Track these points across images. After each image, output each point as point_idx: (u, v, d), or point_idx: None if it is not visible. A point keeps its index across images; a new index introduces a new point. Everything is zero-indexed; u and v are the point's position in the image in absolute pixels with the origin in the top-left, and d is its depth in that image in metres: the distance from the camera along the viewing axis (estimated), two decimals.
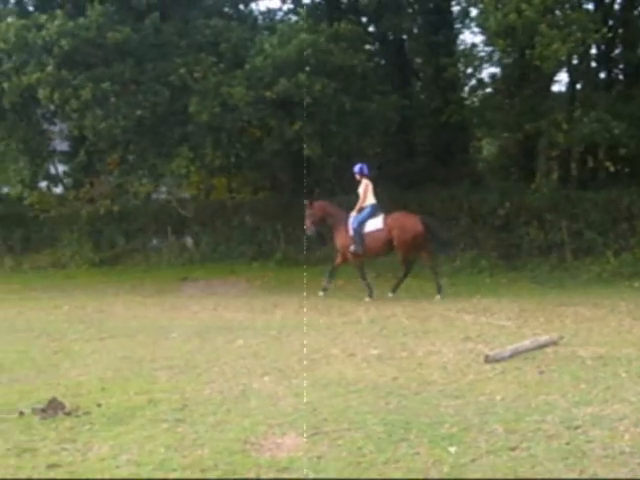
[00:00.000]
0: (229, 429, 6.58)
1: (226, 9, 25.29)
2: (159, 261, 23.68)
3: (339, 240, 16.68)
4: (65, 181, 26.20)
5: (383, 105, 21.59)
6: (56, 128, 25.43)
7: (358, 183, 16.45)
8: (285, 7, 26.08)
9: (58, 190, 26.20)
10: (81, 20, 20.53)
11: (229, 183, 27.28)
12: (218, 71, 20.83)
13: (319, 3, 25.30)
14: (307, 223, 16.96)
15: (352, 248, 16.22)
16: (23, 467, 5.71)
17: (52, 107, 23.01)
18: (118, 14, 21.30)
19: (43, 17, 20.84)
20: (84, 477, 5.52)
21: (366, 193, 16.25)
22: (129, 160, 23.45)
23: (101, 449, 6.10)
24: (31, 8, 25.00)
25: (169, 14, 22.69)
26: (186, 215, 24.07)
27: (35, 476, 5.53)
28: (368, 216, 16.24)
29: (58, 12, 20.74)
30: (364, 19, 25.75)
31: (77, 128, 21.71)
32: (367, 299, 15.94)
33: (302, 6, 24.10)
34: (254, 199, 25.62)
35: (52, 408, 7.10)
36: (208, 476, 5.51)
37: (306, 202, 17.00)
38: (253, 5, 35.40)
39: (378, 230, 16.10)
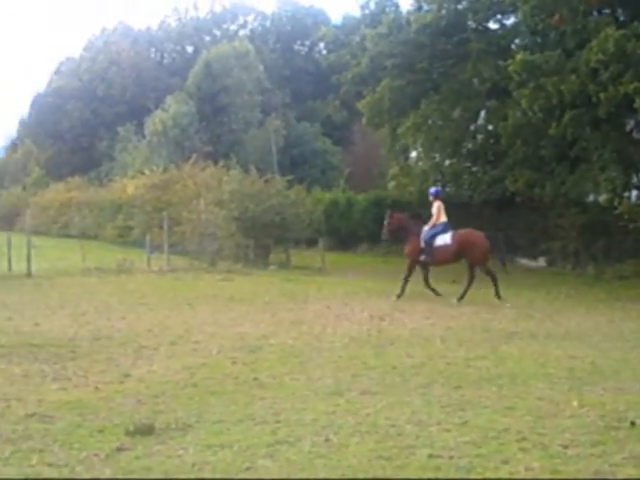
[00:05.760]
0: None
1: None
2: None
3: (408, 249, 18.78)
4: None
5: None
6: None
7: (431, 204, 18.64)
8: None
9: None
10: None
11: None
12: None
13: None
14: (384, 230, 19.47)
15: (422, 258, 18.29)
16: None
17: None
18: None
19: None
20: None
21: (439, 213, 18.37)
22: None
23: None
24: (622, 18, 24.94)
25: None
26: None
27: None
28: (439, 232, 18.20)
29: None
30: None
31: None
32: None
33: None
34: None
35: None
36: None
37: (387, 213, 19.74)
38: None
39: (446, 245, 18.07)
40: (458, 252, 18.06)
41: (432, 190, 19.39)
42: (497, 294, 17.65)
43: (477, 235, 18.45)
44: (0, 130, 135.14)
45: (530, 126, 25.39)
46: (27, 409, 7.63)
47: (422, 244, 18.30)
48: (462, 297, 17.65)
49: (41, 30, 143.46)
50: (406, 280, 18.35)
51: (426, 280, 18.60)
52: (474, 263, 18.12)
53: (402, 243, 19.55)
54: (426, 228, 18.44)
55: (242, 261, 27.13)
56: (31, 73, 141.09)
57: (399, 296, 17.98)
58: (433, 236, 18.21)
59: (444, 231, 18.26)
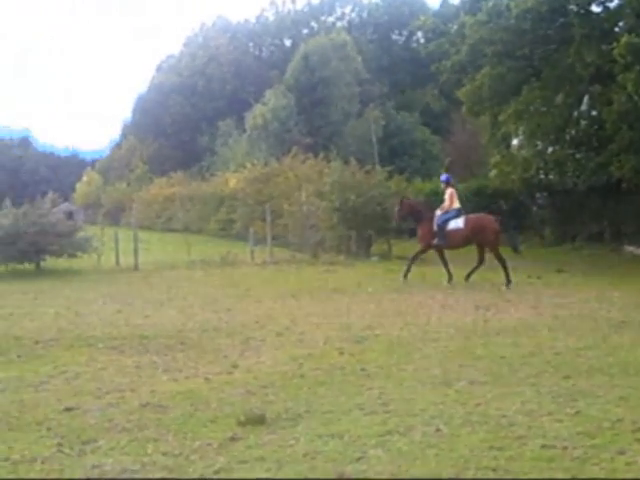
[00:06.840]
0: None
1: None
2: None
3: (421, 233, 19.40)
4: None
5: None
6: None
7: (444, 191, 19.26)
8: None
9: None
10: None
11: None
12: None
13: None
14: (395, 216, 20.65)
15: (435, 242, 18.76)
16: None
17: None
18: None
19: None
20: None
21: (452, 199, 18.80)
22: None
23: None
24: None
25: None
26: None
27: None
28: (452, 217, 18.60)
29: None
30: None
31: None
32: (445, 283, 18.27)
33: None
34: None
35: None
36: None
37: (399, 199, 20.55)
38: None
39: (459, 229, 18.47)
40: (470, 236, 18.55)
41: (443, 177, 19.97)
42: (507, 280, 17.88)
43: (488, 219, 18.97)
44: (106, 132, 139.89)
45: (636, 111, 24.65)
46: (141, 399, 7.83)
47: (435, 228, 18.77)
48: (469, 276, 18.45)
49: (142, 35, 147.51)
50: (413, 261, 19.36)
51: (444, 261, 19.05)
52: (485, 246, 18.62)
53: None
54: (438, 213, 18.95)
55: (344, 252, 27.19)
56: (135, 77, 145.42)
57: (405, 276, 18.84)
58: (446, 220, 18.68)
59: (457, 216, 18.77)
